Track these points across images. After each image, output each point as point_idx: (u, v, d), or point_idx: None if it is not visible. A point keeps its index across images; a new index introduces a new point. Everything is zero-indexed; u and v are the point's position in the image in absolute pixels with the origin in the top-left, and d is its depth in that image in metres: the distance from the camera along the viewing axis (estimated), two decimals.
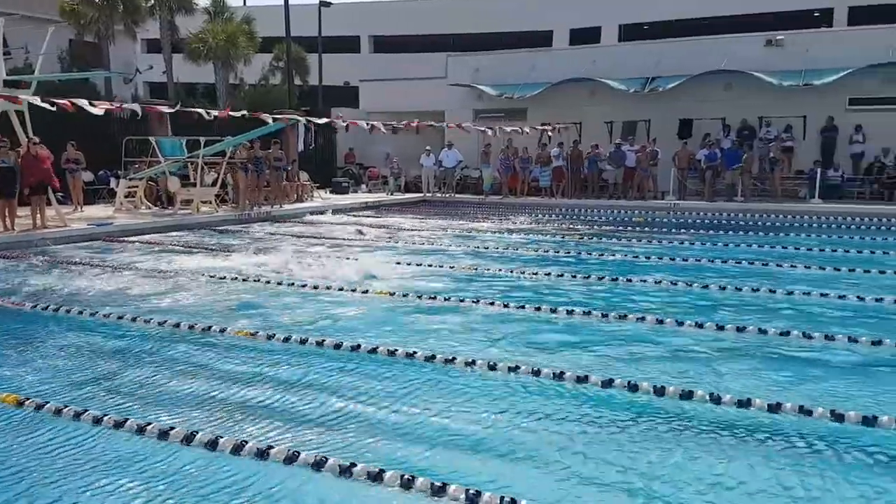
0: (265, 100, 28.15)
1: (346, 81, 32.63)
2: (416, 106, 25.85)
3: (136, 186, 17.81)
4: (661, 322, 7.02)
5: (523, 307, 7.69)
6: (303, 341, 6.37)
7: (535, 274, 9.68)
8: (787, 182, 20.41)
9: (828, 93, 20.02)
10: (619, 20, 30.77)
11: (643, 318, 7.15)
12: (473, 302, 7.91)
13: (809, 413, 4.66)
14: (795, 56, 20.69)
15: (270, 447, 4.11)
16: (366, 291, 8.47)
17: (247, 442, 4.18)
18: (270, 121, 16.31)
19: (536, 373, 5.46)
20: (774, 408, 4.75)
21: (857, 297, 8.09)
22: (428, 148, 23.47)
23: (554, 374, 5.41)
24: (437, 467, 3.99)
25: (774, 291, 8.38)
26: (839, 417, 4.59)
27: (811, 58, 20.37)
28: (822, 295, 8.18)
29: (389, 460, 4.05)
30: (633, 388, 5.15)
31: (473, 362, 5.70)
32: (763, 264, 10.35)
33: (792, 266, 10.18)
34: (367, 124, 18.53)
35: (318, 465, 3.92)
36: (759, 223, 16.03)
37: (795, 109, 21.04)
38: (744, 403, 4.83)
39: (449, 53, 27.54)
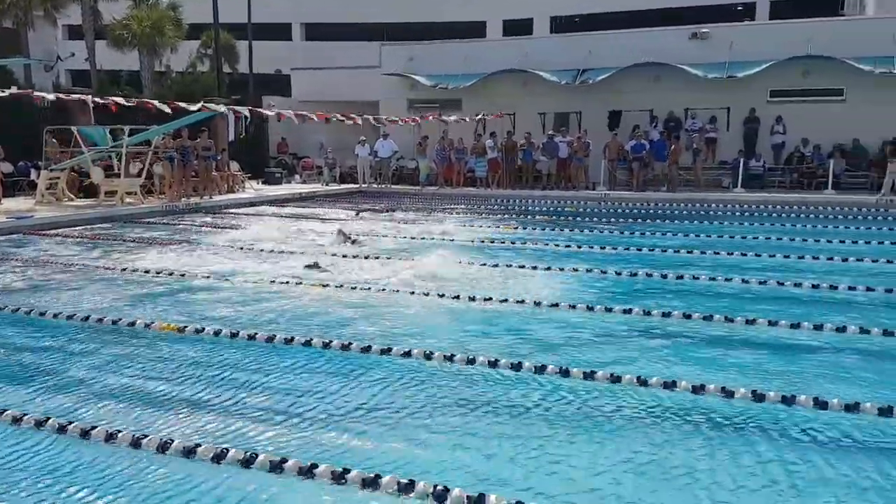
0: (193, 88, 27.40)
1: (278, 69, 32.12)
2: (349, 95, 25.67)
3: (58, 178, 17.11)
4: (590, 308, 7.17)
5: (457, 297, 7.75)
6: (234, 335, 6.26)
7: (460, 263, 9.68)
8: (711, 172, 21.08)
9: (750, 85, 20.72)
10: (551, 12, 31.22)
11: (574, 307, 7.27)
12: (412, 294, 7.92)
13: (732, 394, 4.84)
14: (720, 49, 21.32)
15: (198, 445, 4.03)
16: (299, 283, 8.38)
17: (173, 440, 4.09)
18: (194, 109, 15.84)
19: (450, 358, 5.57)
20: (698, 389, 4.91)
21: (778, 282, 8.42)
22: (363, 138, 23.32)
23: (468, 359, 5.52)
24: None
25: (698, 278, 8.66)
26: (760, 398, 4.78)
27: (735, 51, 21.04)
28: (743, 281, 8.49)
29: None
30: (564, 373, 5.26)
31: (389, 350, 5.75)
32: (688, 252, 10.67)
33: (715, 253, 10.53)
34: (297, 115, 18.25)
35: (248, 461, 3.87)
36: (685, 212, 16.53)
37: (720, 101, 21.70)
38: (669, 385, 4.98)
39: (382, 42, 27.36)
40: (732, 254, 10.45)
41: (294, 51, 33.90)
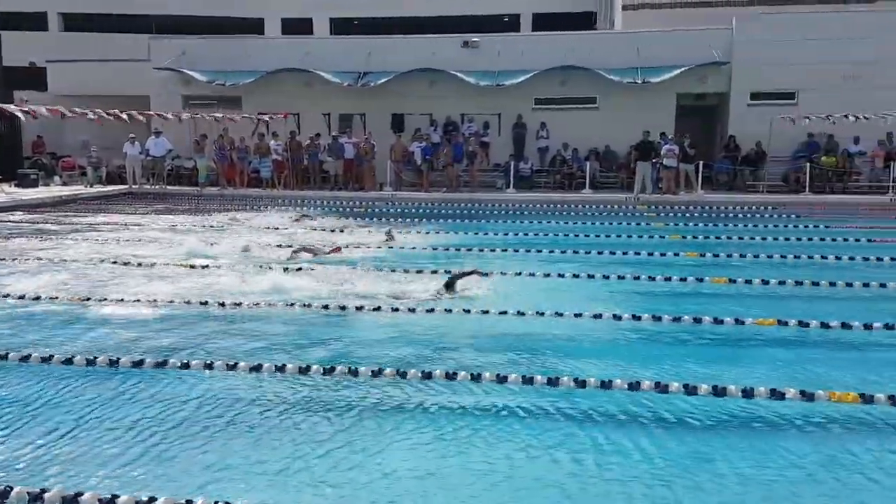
0: None
1: (32, 62, 29.00)
2: (115, 90, 23.91)
3: None
4: (396, 311, 7.47)
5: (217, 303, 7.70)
6: (24, 358, 5.82)
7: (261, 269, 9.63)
8: (485, 174, 22.50)
9: (517, 93, 22.33)
10: (330, 13, 31.25)
11: (379, 308, 7.52)
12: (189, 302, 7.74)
13: (531, 380, 5.39)
14: (489, 58, 22.75)
15: None
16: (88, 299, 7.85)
17: None
18: None
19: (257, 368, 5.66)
20: (502, 379, 5.39)
21: (544, 273, 9.31)
22: (132, 135, 21.78)
23: (276, 367, 5.64)
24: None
25: (487, 274, 9.32)
26: (581, 384, 5.34)
27: (502, 60, 22.56)
28: (516, 274, 9.28)
29: None
30: (354, 372, 5.58)
31: (188, 364, 5.71)
32: (468, 249, 11.41)
33: (491, 250, 11.36)
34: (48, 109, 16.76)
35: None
36: (465, 212, 17.52)
37: (491, 107, 23.13)
38: (475, 377, 5.43)
39: (151, 35, 25.81)
40: (506, 250, 11.34)
41: (51, 42, 30.79)
